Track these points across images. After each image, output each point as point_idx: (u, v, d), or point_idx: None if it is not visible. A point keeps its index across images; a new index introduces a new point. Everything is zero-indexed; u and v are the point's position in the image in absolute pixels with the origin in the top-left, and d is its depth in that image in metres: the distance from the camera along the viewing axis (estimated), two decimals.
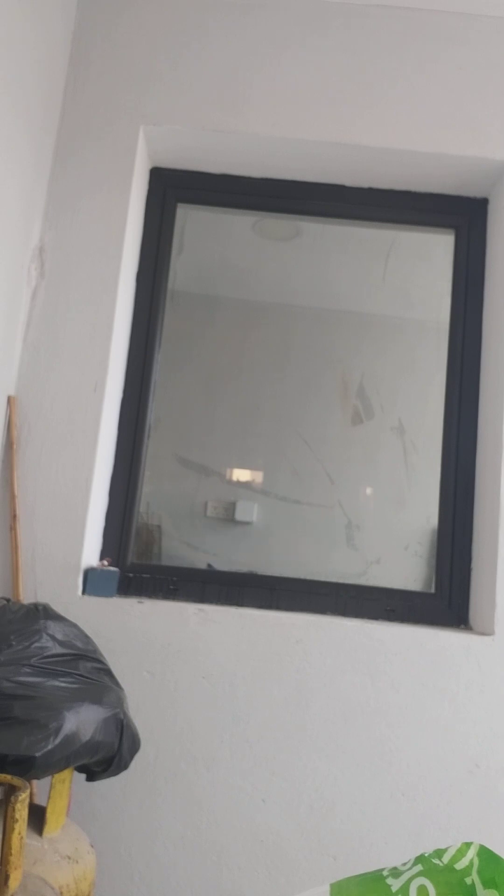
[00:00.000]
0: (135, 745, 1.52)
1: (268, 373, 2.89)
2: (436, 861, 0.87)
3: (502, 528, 1.95)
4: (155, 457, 2.36)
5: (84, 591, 1.95)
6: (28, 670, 1.43)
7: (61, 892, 1.32)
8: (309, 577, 2.15)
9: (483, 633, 1.95)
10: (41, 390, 2.02)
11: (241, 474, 2.84)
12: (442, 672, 1.90)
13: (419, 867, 0.87)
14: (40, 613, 1.55)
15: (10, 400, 1.99)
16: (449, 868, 0.85)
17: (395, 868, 0.90)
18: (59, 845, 1.42)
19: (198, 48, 2.19)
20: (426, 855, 0.88)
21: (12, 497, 1.93)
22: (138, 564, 2.17)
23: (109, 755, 1.45)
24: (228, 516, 2.77)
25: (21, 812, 1.18)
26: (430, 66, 2.17)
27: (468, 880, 0.83)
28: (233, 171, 2.31)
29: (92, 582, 1.95)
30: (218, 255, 2.86)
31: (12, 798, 1.18)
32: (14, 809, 1.17)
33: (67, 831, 1.47)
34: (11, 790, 1.21)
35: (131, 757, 1.51)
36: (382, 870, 0.91)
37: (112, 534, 2.14)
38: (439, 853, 0.88)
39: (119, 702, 1.49)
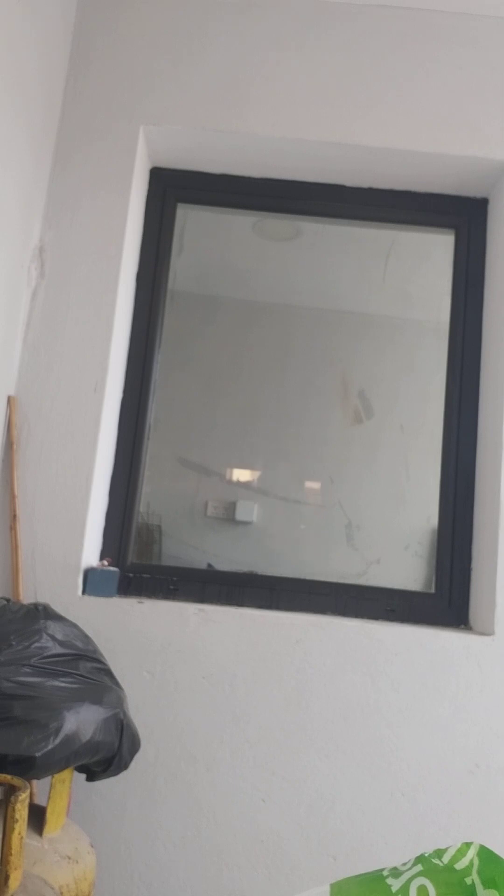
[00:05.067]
0: (135, 745, 1.52)
1: (268, 373, 2.89)
2: (436, 861, 0.87)
3: (502, 528, 1.95)
4: (155, 457, 2.36)
5: (84, 591, 1.95)
6: (28, 670, 1.43)
7: (61, 892, 1.32)
8: (309, 577, 2.15)
9: (483, 633, 1.95)
10: (41, 390, 2.02)
11: (241, 474, 2.84)
12: (442, 672, 1.90)
13: (419, 867, 0.87)
14: (40, 613, 1.55)
15: (10, 400, 1.99)
16: (449, 868, 0.85)
17: (395, 868, 0.90)
18: (59, 845, 1.42)
19: (198, 48, 2.18)
20: (426, 855, 0.88)
21: (12, 497, 1.93)
22: (138, 564, 2.17)
23: (109, 755, 1.45)
24: (228, 516, 2.77)
25: (21, 812, 1.18)
26: (430, 66, 2.17)
27: (468, 880, 0.83)
28: (233, 171, 2.31)
29: (92, 582, 1.95)
30: (218, 255, 2.86)
31: (12, 798, 1.18)
32: (14, 809, 1.17)
33: (67, 831, 1.47)
34: (11, 790, 1.21)
35: (131, 757, 1.51)
36: (382, 870, 0.91)
37: (112, 534, 2.14)
38: (439, 853, 0.88)
39: (119, 702, 1.49)
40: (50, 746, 1.32)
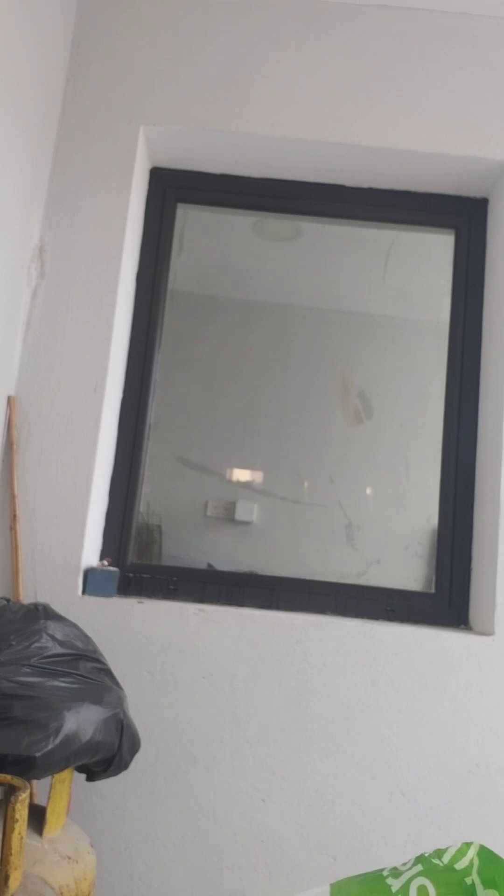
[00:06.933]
0: (135, 745, 1.52)
1: (268, 373, 2.89)
2: (436, 861, 0.87)
3: (502, 528, 1.95)
4: (155, 457, 2.36)
5: (84, 591, 1.95)
6: (28, 670, 1.43)
7: (61, 892, 1.32)
8: (309, 577, 2.15)
9: (483, 633, 1.95)
10: (41, 390, 2.02)
11: (241, 474, 2.84)
12: (442, 672, 1.90)
13: (419, 867, 0.87)
14: (40, 613, 1.55)
15: (10, 400, 1.99)
16: (449, 868, 0.85)
17: (395, 868, 0.90)
18: (59, 845, 1.42)
19: (198, 48, 2.18)
20: (426, 855, 0.88)
21: (12, 497, 1.93)
22: (138, 564, 2.17)
23: (109, 755, 1.45)
24: (228, 516, 2.76)
25: (21, 812, 1.18)
26: (430, 66, 2.17)
27: (468, 880, 0.83)
28: (233, 171, 2.31)
29: (92, 582, 1.95)
30: (218, 255, 2.86)
31: (12, 798, 1.18)
32: (14, 809, 1.17)
33: (67, 831, 1.47)
34: (11, 790, 1.21)
35: (131, 757, 1.51)
36: (382, 870, 0.91)
37: (112, 534, 2.14)
38: (439, 853, 0.88)
39: (119, 702, 1.49)
40: (50, 746, 1.32)
